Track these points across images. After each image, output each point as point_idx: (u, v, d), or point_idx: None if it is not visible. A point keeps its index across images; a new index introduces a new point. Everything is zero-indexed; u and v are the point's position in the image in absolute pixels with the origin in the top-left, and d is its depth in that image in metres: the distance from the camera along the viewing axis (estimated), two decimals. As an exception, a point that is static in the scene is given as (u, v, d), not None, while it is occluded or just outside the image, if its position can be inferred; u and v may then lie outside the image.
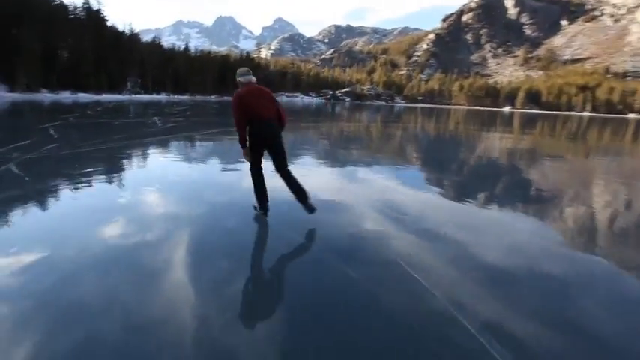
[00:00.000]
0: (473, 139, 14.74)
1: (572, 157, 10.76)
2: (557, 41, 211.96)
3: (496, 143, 12.84)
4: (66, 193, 4.20)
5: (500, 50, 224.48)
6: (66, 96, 38.74)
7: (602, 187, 6.17)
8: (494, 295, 2.25)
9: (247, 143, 3.27)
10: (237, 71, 3.43)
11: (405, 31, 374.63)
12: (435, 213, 4.02)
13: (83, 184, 4.52)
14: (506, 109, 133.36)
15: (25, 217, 3.36)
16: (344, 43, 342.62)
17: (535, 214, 4.30)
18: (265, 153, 3.37)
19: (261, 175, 3.38)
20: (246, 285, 2.30)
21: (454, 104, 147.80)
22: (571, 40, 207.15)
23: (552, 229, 3.76)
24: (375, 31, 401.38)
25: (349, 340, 1.76)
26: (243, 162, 3.92)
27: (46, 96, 36.53)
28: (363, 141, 12.29)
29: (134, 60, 57.39)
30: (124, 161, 6.41)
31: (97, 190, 4.37)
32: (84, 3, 48.86)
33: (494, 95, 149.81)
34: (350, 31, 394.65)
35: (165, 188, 4.54)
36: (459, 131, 18.65)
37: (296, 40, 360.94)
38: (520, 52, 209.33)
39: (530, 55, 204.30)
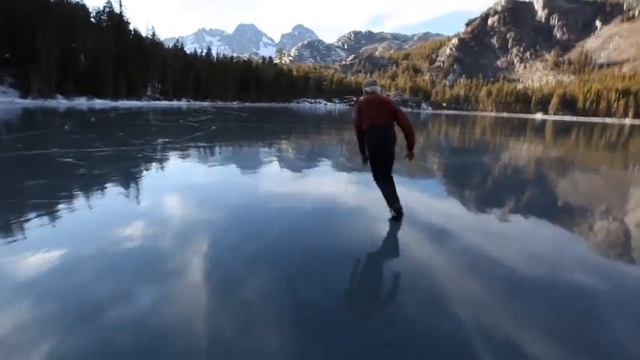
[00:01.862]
0: (497, 148, 13.21)
1: (607, 168, 9.35)
2: (590, 44, 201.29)
3: (522, 153, 11.42)
4: None
5: (527, 54, 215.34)
6: (81, 102, 36.24)
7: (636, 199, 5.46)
8: (510, 306, 2.11)
9: (366, 151, 3.52)
10: (364, 82, 3.71)
11: (425, 36, 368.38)
12: (451, 221, 3.66)
13: None
14: (538, 115, 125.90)
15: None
16: (363, 49, 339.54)
17: (555, 224, 3.83)
18: None
19: (385, 184, 3.42)
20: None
21: (481, 110, 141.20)
22: (606, 42, 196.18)
23: (572, 240, 3.43)
24: (394, 37, 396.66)
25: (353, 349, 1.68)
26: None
27: (60, 102, 34.07)
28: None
29: (155, 65, 55.25)
30: None
31: None
32: (105, 4, 46.72)
33: (524, 101, 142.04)
34: (369, 37, 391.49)
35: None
36: (483, 140, 16.59)
37: (315, 47, 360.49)
38: (550, 56, 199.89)
39: (561, 59, 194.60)
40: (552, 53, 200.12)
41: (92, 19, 45.65)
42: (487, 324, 1.89)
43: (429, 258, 2.71)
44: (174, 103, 52.55)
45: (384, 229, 3.30)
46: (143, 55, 50.04)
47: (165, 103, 50.04)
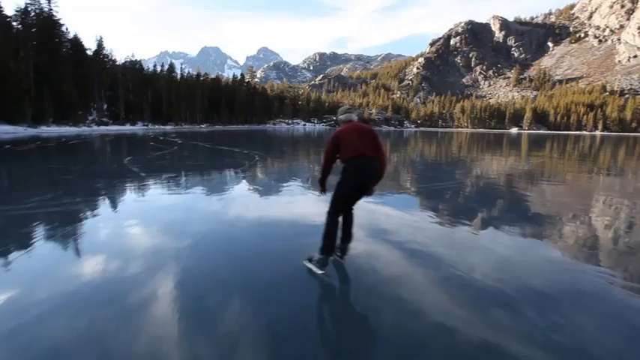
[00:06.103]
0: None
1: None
2: (545, 62, 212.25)
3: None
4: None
5: (490, 72, 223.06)
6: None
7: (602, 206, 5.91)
8: (483, 315, 2.23)
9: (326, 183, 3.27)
10: (338, 110, 3.38)
11: (387, 57, 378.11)
12: (422, 234, 3.90)
13: None
14: (514, 130, 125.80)
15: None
16: (329, 69, 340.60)
17: (526, 233, 4.10)
18: None
19: (337, 223, 3.09)
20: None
21: (457, 127, 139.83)
22: (559, 60, 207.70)
23: (542, 248, 3.62)
24: (358, 58, 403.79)
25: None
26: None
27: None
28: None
29: (103, 83, 43.99)
30: None
31: None
32: (28, 3, 35.25)
33: (499, 117, 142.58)
34: (334, 58, 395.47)
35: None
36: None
37: (281, 68, 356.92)
38: (511, 74, 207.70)
39: (522, 76, 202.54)
40: (513, 71, 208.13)
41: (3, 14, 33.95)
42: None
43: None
44: (127, 127, 41.36)
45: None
46: (83, 69, 38.81)
47: (114, 128, 38.78)
